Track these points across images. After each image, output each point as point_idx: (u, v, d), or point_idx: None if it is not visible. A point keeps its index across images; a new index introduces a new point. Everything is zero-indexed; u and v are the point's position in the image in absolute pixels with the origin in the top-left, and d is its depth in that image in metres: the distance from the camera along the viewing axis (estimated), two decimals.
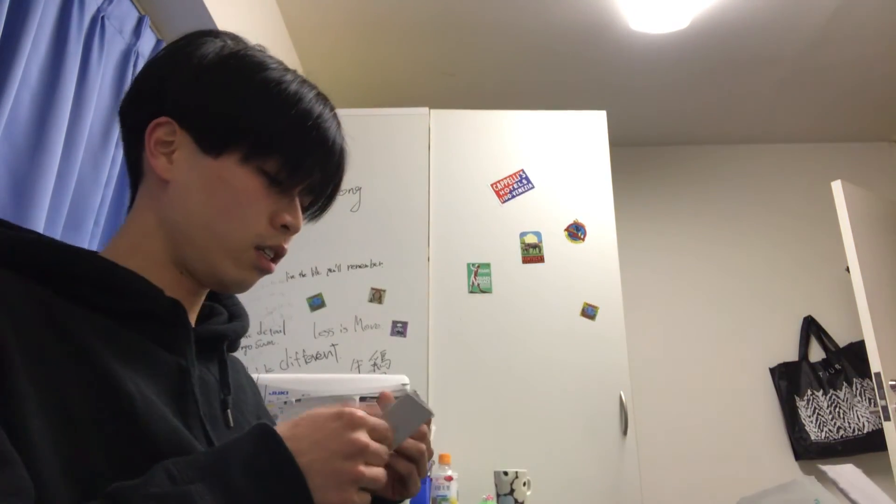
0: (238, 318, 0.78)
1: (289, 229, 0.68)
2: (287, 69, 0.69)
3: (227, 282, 0.67)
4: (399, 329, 2.09)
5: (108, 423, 0.52)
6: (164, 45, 1.75)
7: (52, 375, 0.52)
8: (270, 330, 2.09)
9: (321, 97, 0.70)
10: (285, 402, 1.29)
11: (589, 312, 2.14)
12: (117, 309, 0.60)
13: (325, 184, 0.71)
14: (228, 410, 0.68)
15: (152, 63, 0.70)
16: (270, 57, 0.70)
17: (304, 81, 0.69)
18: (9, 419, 0.48)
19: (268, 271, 0.69)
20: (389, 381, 1.43)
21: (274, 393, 1.28)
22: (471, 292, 2.15)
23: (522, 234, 2.22)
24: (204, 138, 0.65)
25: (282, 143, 0.66)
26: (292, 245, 0.72)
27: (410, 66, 2.90)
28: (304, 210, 0.72)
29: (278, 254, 0.69)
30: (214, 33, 0.70)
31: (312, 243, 2.14)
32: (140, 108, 0.68)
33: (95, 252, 0.64)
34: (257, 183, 0.65)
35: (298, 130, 0.66)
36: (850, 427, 3.00)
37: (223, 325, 0.74)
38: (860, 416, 3.01)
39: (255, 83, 0.66)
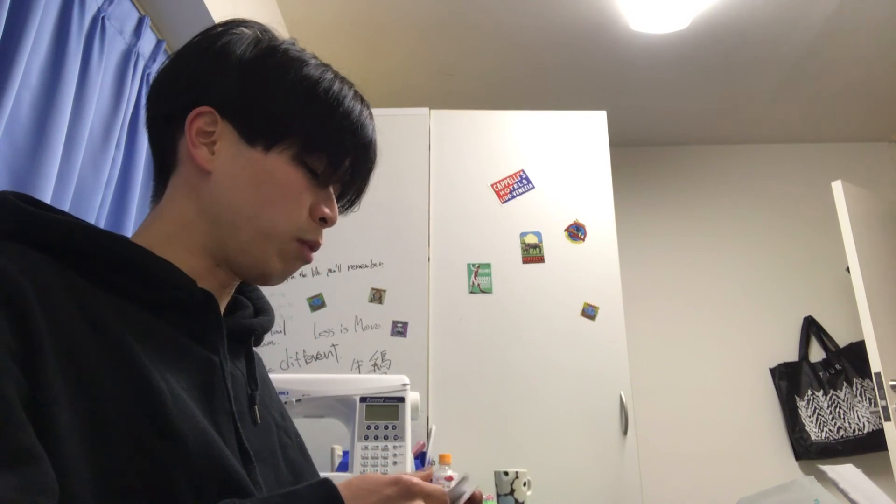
0: (264, 312, 0.78)
1: (326, 222, 0.70)
2: (325, 65, 0.70)
3: (270, 272, 0.68)
4: (399, 329, 2.09)
5: (137, 419, 0.51)
6: (164, 45, 1.75)
7: (83, 367, 0.51)
8: (271, 330, 2.09)
9: (358, 95, 0.72)
10: (285, 403, 1.29)
11: (589, 312, 2.14)
12: (150, 298, 0.59)
13: (358, 178, 0.74)
14: (256, 407, 0.68)
15: (189, 51, 0.70)
16: (304, 51, 0.71)
17: (343, 79, 0.71)
18: (36, 412, 0.47)
19: (308, 262, 0.71)
20: (390, 381, 1.43)
21: None
22: (471, 292, 2.15)
23: (523, 235, 2.22)
24: (251, 132, 0.66)
25: (329, 141, 0.68)
26: None
27: (410, 66, 2.90)
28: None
29: (312, 247, 0.70)
30: (247, 24, 0.71)
31: None
32: (177, 95, 0.67)
33: (129, 239, 0.62)
34: (301, 176, 0.67)
35: (343, 130, 0.68)
36: (850, 427, 3.00)
37: (251, 320, 0.74)
38: (860, 417, 3.00)
39: (300, 81, 0.67)
